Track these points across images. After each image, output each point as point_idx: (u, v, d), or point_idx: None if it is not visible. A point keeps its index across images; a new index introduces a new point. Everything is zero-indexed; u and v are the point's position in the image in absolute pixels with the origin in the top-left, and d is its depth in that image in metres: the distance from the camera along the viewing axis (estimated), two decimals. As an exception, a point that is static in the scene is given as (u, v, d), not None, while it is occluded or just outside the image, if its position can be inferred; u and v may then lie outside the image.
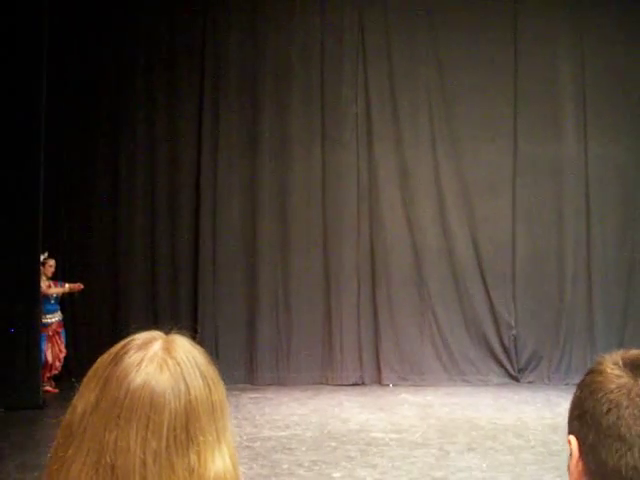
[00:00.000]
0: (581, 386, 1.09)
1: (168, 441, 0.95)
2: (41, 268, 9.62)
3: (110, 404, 0.96)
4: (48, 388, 9.63)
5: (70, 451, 0.96)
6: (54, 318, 9.94)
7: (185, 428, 0.96)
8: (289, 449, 7.15)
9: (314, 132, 10.85)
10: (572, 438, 1.07)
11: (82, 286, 10.12)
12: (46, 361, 9.68)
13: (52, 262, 9.95)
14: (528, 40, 10.75)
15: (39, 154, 9.00)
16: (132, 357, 0.99)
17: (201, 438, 0.97)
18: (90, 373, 1.02)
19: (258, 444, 7.28)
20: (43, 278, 9.73)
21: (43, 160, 9.06)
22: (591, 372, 1.09)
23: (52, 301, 9.93)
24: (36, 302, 9.14)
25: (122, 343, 1.03)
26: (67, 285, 10.07)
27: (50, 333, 9.83)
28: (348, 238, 10.75)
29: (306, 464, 6.67)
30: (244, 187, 10.85)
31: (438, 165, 10.82)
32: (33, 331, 9.06)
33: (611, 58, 10.72)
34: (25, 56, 8.84)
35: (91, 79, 10.81)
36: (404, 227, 10.76)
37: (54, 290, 9.92)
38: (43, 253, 9.67)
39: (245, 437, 7.42)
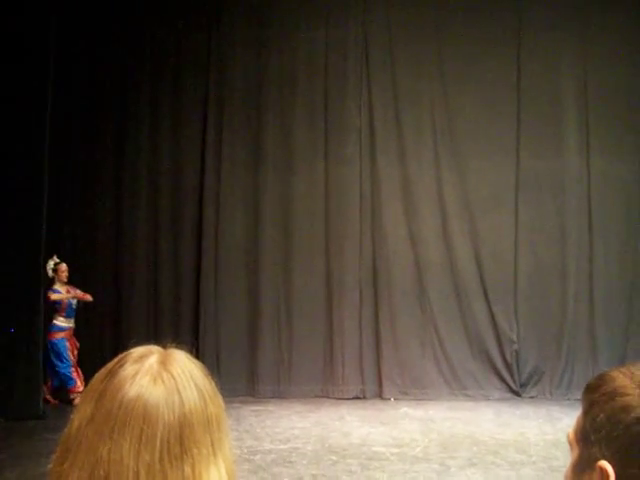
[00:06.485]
0: (604, 409, 1.02)
1: (161, 453, 0.94)
2: (55, 276, 9.82)
3: (104, 416, 0.96)
4: (48, 397, 9.64)
5: (66, 464, 0.96)
6: (71, 323, 10.08)
7: (179, 440, 0.96)
8: (290, 462, 7.11)
9: (317, 146, 10.85)
10: (606, 464, 1.01)
11: (91, 298, 10.16)
12: (73, 362, 9.87)
13: (64, 267, 10.03)
14: (531, 55, 10.77)
15: (42, 165, 9.03)
16: (127, 370, 1.00)
17: (195, 450, 0.96)
18: (87, 387, 1.03)
19: (258, 457, 7.25)
20: (59, 284, 9.87)
21: (46, 171, 9.09)
22: (611, 397, 1.02)
23: (74, 306, 10.07)
24: (37, 312, 9.13)
25: (118, 357, 1.04)
26: (78, 291, 10.12)
27: (68, 337, 9.97)
28: (350, 251, 10.74)
29: (306, 478, 6.64)
30: (247, 200, 10.86)
31: (441, 179, 10.81)
32: (34, 341, 9.05)
33: (614, 74, 10.72)
34: (32, 62, 8.89)
35: (97, 89, 10.86)
36: (406, 241, 10.74)
37: (71, 295, 10.00)
38: (53, 258, 9.79)
39: (245, 450, 7.40)
